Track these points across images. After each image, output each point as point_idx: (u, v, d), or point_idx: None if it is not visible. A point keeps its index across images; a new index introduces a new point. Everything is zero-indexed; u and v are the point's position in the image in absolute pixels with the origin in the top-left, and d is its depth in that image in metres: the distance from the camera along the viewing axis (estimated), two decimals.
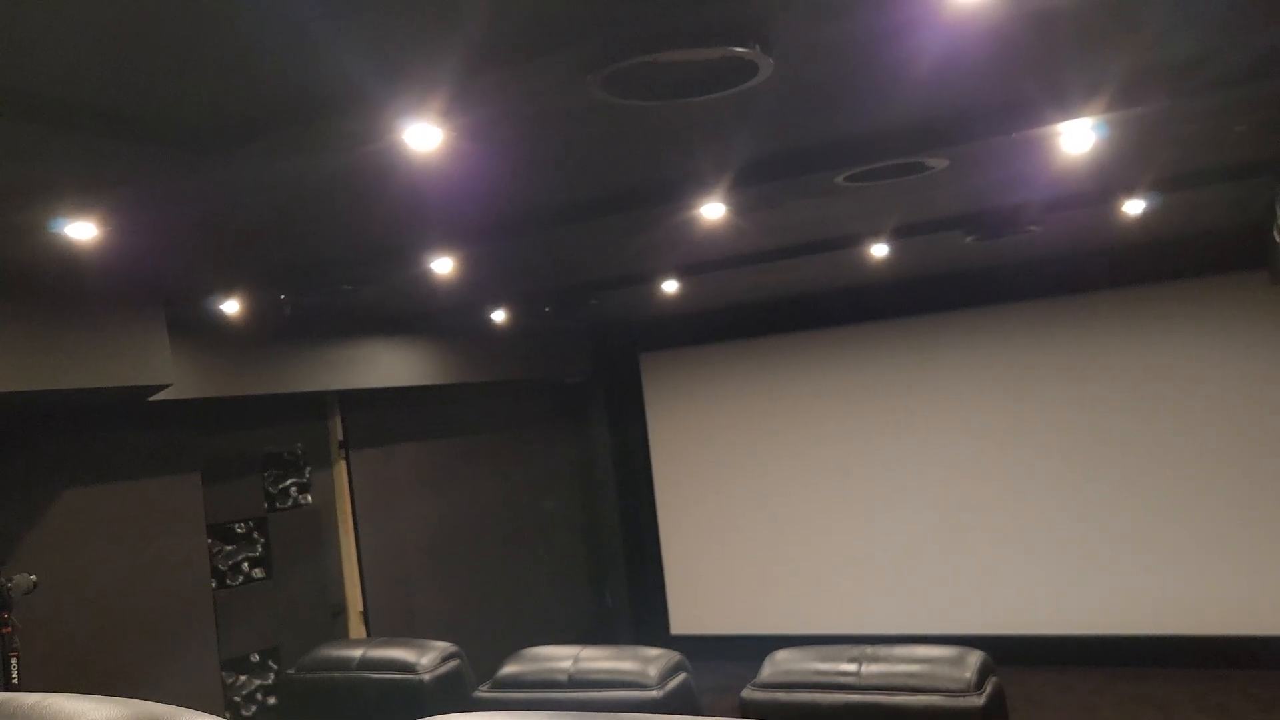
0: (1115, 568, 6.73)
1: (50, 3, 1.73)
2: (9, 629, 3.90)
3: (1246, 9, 2.43)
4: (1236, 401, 6.44)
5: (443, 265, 4.44)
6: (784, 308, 7.40)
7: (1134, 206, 4.62)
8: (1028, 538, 6.98)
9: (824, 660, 3.35)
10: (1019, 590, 7.00)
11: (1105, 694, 6.32)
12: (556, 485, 8.06)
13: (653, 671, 3.47)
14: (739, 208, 3.85)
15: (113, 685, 4.67)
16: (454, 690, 3.68)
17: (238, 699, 5.50)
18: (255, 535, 5.74)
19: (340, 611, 6.17)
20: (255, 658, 5.62)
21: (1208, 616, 6.48)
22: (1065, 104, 2.95)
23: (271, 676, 5.64)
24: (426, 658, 3.75)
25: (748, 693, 3.38)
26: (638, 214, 3.88)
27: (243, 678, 5.56)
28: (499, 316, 6.38)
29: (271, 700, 5.60)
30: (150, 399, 4.57)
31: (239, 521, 5.66)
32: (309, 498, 6.09)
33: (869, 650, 3.38)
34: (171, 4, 1.79)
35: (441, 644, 3.85)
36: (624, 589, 8.39)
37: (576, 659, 3.57)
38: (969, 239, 4.92)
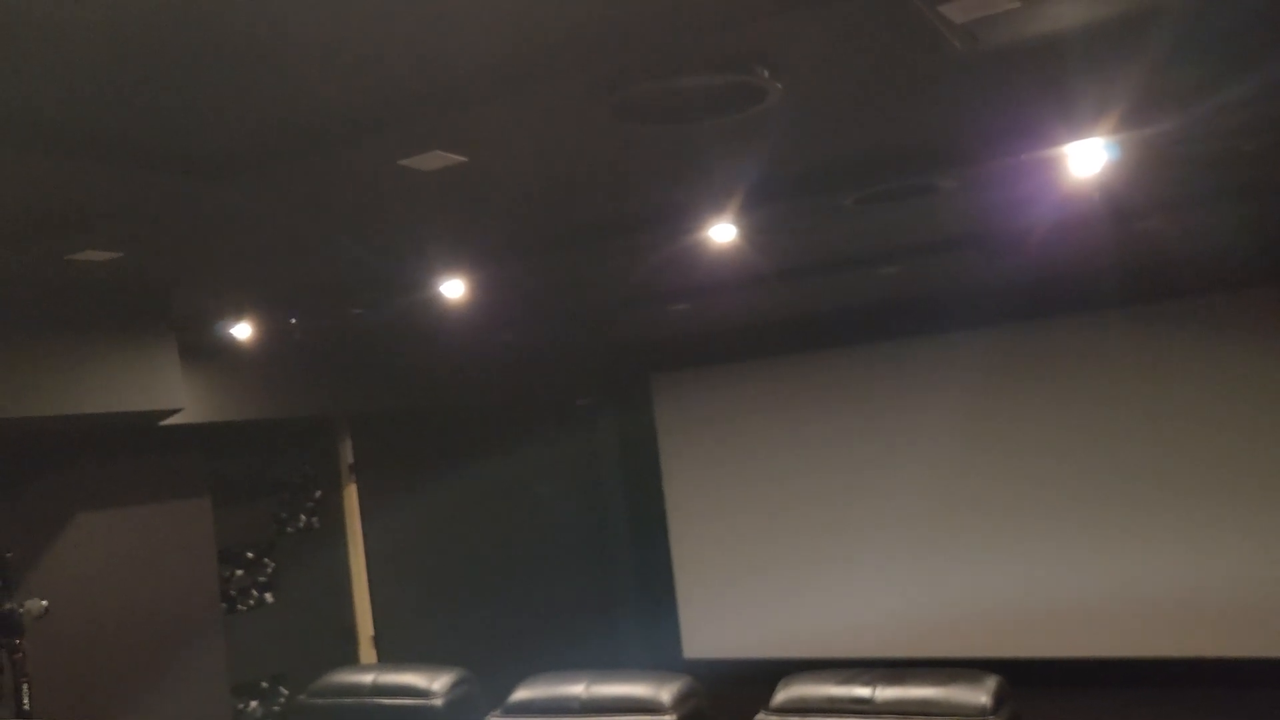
0: (1135, 590, 6.67)
1: (67, 37, 1.74)
2: (20, 654, 3.89)
3: (1250, 37, 2.43)
4: (1255, 419, 6.39)
5: (454, 288, 4.44)
6: (798, 327, 7.37)
7: (1145, 224, 4.61)
8: (1046, 559, 6.93)
9: (838, 684, 3.33)
10: (1036, 613, 6.94)
11: (1125, 718, 6.26)
12: (567, 507, 8.03)
13: (666, 696, 3.45)
14: (749, 229, 3.85)
15: (122, 710, 4.66)
16: (466, 716, 3.66)
17: None
18: (265, 559, 5.73)
19: (351, 636, 6.14)
20: (265, 683, 5.60)
21: (1229, 638, 6.42)
22: (1075, 125, 2.95)
23: (282, 702, 5.62)
24: (438, 683, 3.74)
25: (761, 717, 3.37)
26: (648, 236, 3.89)
27: (253, 703, 5.53)
28: (509, 339, 6.37)
29: None
30: (161, 424, 4.58)
31: (249, 545, 5.65)
32: (319, 521, 6.08)
33: (883, 674, 3.36)
34: (186, 35, 1.80)
35: (453, 669, 3.84)
36: (636, 612, 8.35)
37: (589, 684, 3.55)
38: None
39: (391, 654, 6.16)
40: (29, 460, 4.55)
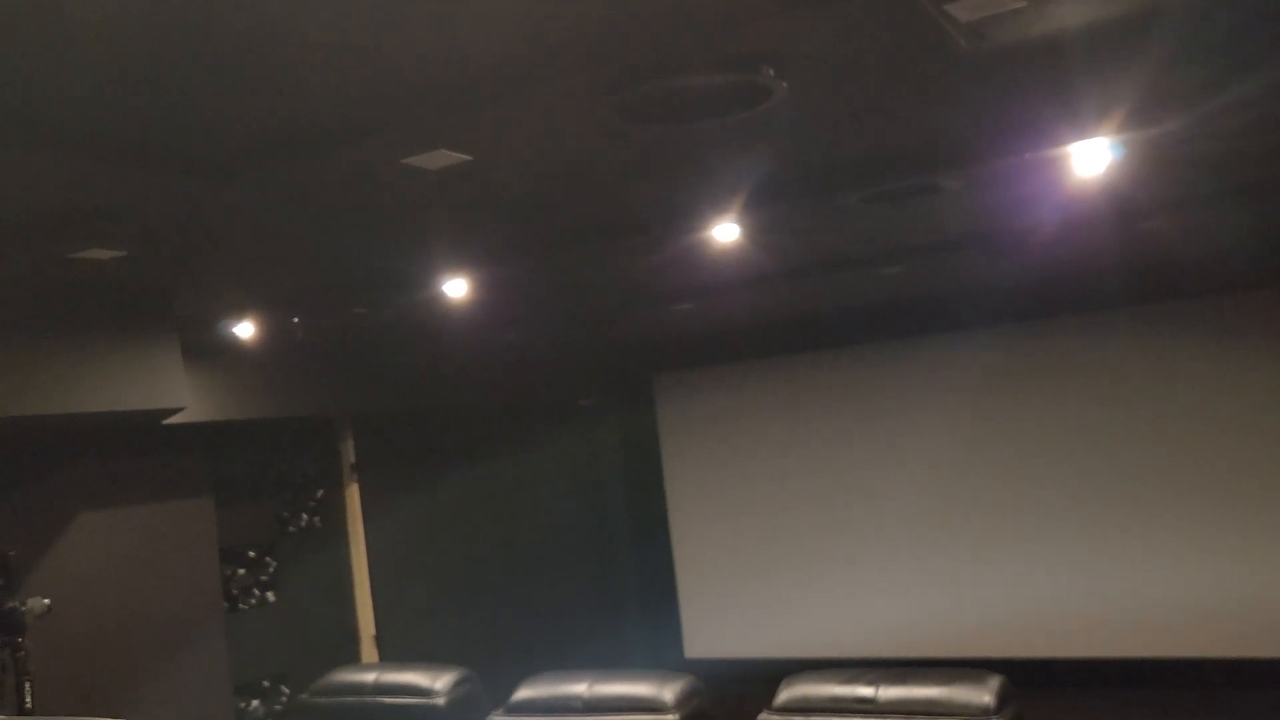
0: (1138, 591, 6.66)
1: (67, 37, 1.74)
2: (23, 653, 3.89)
3: (1255, 37, 2.42)
4: (1259, 421, 6.38)
5: (456, 288, 4.44)
6: (801, 327, 7.36)
7: (1150, 224, 4.60)
8: (1049, 560, 6.92)
9: (841, 684, 3.33)
10: (1039, 613, 6.93)
11: (1126, 718, 6.25)
12: (569, 507, 8.03)
13: (668, 696, 3.45)
14: (752, 229, 3.85)
15: (124, 709, 4.66)
16: (469, 715, 3.66)
17: None
18: (267, 558, 5.73)
19: (352, 635, 6.14)
20: (267, 682, 5.60)
21: (1230, 639, 6.41)
22: (1080, 125, 2.94)
23: (283, 701, 5.62)
24: (441, 682, 3.74)
25: (764, 717, 3.36)
26: (651, 236, 3.89)
27: (255, 703, 5.53)
28: (512, 338, 6.37)
29: None
30: (163, 423, 4.58)
31: (251, 544, 5.65)
32: (321, 520, 6.08)
33: (887, 674, 3.36)
34: (186, 34, 1.80)
35: (455, 668, 3.83)
36: (638, 612, 8.34)
37: (591, 684, 3.55)
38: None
39: (393, 653, 6.15)
40: (31, 459, 4.55)
